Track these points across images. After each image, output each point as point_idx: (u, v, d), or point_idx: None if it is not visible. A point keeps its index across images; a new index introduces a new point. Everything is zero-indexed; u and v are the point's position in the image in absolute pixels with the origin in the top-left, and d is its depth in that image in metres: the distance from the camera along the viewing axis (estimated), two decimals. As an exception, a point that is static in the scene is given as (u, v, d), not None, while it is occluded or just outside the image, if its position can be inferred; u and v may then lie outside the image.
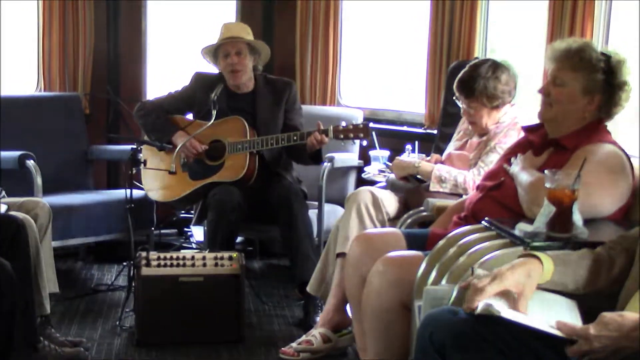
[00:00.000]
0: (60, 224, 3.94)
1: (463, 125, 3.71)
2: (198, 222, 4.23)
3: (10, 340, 2.85)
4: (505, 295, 1.90)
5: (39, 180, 4.03)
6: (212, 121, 3.97)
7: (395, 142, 4.30)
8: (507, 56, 4.00)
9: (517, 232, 2.35)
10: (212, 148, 4.12)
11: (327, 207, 4.17)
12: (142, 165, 4.02)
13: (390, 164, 3.81)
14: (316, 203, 4.14)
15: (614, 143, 2.63)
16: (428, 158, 3.76)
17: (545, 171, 2.35)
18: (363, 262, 2.77)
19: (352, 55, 5.16)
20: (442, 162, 3.60)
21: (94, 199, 4.42)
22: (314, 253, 3.87)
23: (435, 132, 4.39)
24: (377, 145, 4.05)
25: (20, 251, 3.11)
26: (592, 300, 2.00)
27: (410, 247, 2.77)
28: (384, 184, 3.75)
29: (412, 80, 4.90)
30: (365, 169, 4.18)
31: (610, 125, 2.72)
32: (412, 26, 4.94)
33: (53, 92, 4.96)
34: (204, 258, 3.57)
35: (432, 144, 4.25)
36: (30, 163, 4.08)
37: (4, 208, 3.23)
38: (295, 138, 3.88)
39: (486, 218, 2.54)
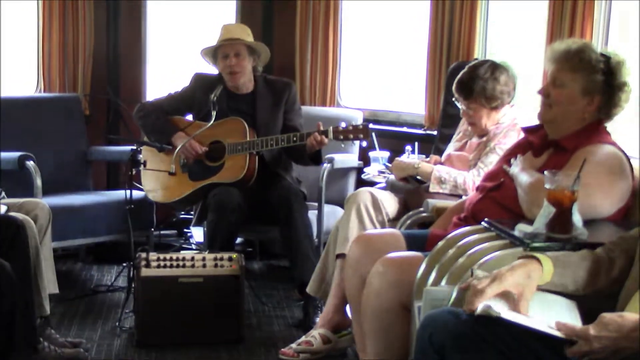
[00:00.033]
0: (60, 225, 3.93)
1: (463, 126, 3.71)
2: (198, 223, 4.22)
3: (10, 341, 2.85)
4: (505, 296, 1.90)
5: (38, 181, 4.03)
6: (211, 122, 3.97)
7: (395, 143, 4.30)
8: (507, 57, 4.00)
9: (516, 233, 2.34)
10: (211, 149, 4.12)
11: (327, 208, 4.17)
12: (142, 166, 4.02)
13: (389, 165, 3.81)
14: (316, 204, 4.14)
15: (614, 144, 2.63)
16: (427, 159, 3.76)
17: (545, 172, 2.35)
18: (363, 263, 2.77)
19: (352, 56, 5.16)
20: (441, 163, 3.60)
21: (94, 200, 4.42)
22: (314, 254, 3.87)
23: (435, 133, 4.39)
24: (376, 146, 4.05)
25: (20, 252, 3.11)
26: (591, 301, 2.00)
27: (410, 248, 2.77)
28: (383, 184, 3.75)
29: (412, 81, 4.89)
30: (365, 169, 4.18)
31: (610, 126, 2.72)
32: (412, 27, 4.94)
33: (53, 93, 4.97)
34: (203, 259, 3.57)
35: (431, 145, 4.25)
36: (30, 164, 4.08)
37: (3, 209, 3.23)
38: (295, 139, 3.88)
39: (486, 219, 2.54)
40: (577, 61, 2.60)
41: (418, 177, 3.55)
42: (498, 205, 2.71)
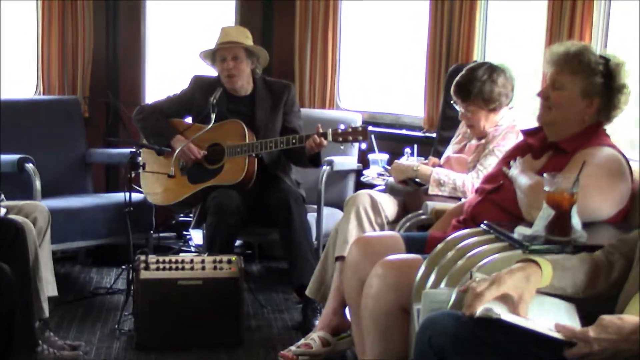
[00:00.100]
0: (59, 228, 3.92)
1: (462, 128, 3.71)
2: (197, 226, 4.22)
3: (9, 343, 2.85)
4: (505, 299, 1.90)
5: (38, 183, 4.03)
6: (211, 124, 3.97)
7: (394, 145, 4.30)
8: (506, 58, 4.00)
9: (516, 235, 2.35)
10: (211, 151, 4.12)
11: (326, 211, 4.17)
12: (141, 168, 4.02)
13: (389, 167, 3.81)
14: (315, 206, 4.14)
15: (613, 146, 2.63)
16: (426, 161, 3.76)
17: (545, 174, 2.35)
18: (362, 265, 2.77)
19: (351, 58, 5.17)
20: (440, 166, 3.60)
21: (93, 203, 4.41)
22: (313, 256, 3.87)
23: (434, 135, 4.39)
24: (376, 148, 4.04)
25: (19, 255, 3.11)
26: (590, 304, 2.00)
27: (409, 251, 2.77)
28: (382, 187, 3.75)
29: (411, 84, 4.90)
30: (364, 172, 4.17)
31: (609, 128, 2.72)
32: (411, 29, 4.94)
33: (52, 95, 4.97)
34: (202, 261, 3.57)
35: (431, 148, 4.25)
36: (29, 166, 4.08)
37: (3, 212, 3.23)
38: (294, 141, 3.88)
39: (485, 221, 2.54)
40: (576, 63, 2.61)
41: (417, 180, 3.55)
42: (497, 207, 2.71)
